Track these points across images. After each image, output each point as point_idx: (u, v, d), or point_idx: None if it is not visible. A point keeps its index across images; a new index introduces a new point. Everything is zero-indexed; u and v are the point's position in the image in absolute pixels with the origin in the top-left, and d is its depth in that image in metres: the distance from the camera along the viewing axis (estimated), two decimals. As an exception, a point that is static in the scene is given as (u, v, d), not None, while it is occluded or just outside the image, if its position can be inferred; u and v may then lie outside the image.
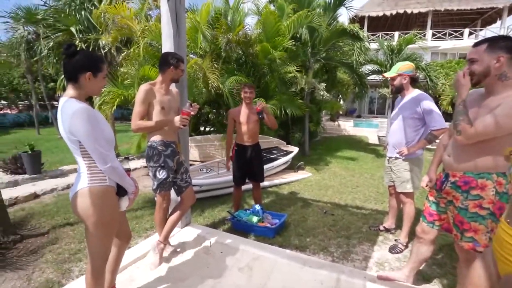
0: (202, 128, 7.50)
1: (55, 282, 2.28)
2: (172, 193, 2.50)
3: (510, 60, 1.46)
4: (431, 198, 1.89)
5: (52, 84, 16.46)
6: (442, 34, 19.12)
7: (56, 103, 16.11)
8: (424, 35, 18.20)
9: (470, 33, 19.34)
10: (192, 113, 2.23)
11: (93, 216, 1.44)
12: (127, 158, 1.59)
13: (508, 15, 18.71)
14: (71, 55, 1.43)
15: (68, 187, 4.86)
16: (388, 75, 2.79)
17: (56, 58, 6.82)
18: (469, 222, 1.59)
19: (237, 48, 6.11)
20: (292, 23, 6.47)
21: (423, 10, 19.03)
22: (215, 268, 2.31)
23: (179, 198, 2.50)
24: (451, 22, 21.85)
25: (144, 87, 2.23)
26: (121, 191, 1.57)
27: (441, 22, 21.63)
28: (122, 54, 5.21)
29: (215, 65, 5.63)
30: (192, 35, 6.01)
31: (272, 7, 8.45)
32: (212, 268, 2.31)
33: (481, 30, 20.47)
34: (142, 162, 6.59)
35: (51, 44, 6.40)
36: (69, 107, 1.38)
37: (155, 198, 2.47)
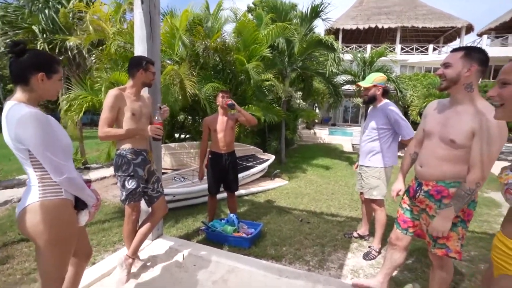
0: (177, 135, 7.31)
1: (5, 307, 2.05)
2: (143, 203, 2.38)
3: (479, 73, 1.51)
4: (404, 206, 1.92)
5: (11, 85, 15.38)
6: (409, 49, 20.34)
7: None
8: (394, 49, 19.25)
9: (434, 49, 20.76)
10: (164, 117, 2.15)
11: (45, 233, 1.28)
12: (87, 168, 1.47)
13: (466, 33, 20.38)
14: (19, 54, 1.26)
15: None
16: (363, 84, 2.85)
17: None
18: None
19: (214, 55, 6.07)
20: (270, 33, 6.56)
21: (392, 25, 20.23)
22: (188, 283, 2.20)
23: (149, 209, 2.37)
24: (417, 38, 23.40)
25: (113, 92, 2.12)
26: (80, 204, 1.43)
27: (408, 38, 23.09)
28: (93, 56, 4.95)
29: (193, 72, 5.54)
30: (169, 40, 5.90)
31: (250, 16, 8.54)
32: (184, 283, 2.20)
33: (443, 46, 22.10)
34: (111, 171, 6.27)
35: (8, 41, 5.95)
36: (15, 112, 1.22)
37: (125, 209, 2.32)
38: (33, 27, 5.78)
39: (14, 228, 3.36)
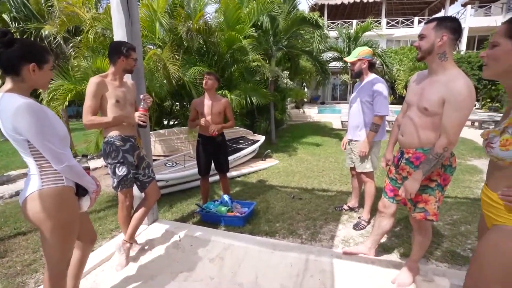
0: (165, 122, 7.23)
1: (8, 297, 2.09)
2: (135, 189, 2.40)
3: (451, 41, 1.54)
4: (390, 175, 2.02)
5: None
6: (395, 22, 20.21)
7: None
8: (380, 23, 19.09)
9: (419, 21, 20.68)
10: (149, 104, 2.14)
11: (49, 220, 1.33)
12: (85, 156, 1.46)
13: (450, 4, 20.31)
14: (7, 44, 1.24)
15: (17, 194, 4.43)
16: (348, 59, 2.88)
17: None
18: (420, 194, 1.73)
19: (198, 37, 5.91)
20: (252, 10, 6.40)
21: (377, -1, 19.96)
22: (186, 262, 2.27)
23: (143, 194, 2.40)
24: (403, 11, 23.21)
25: (94, 79, 2.08)
26: (81, 190, 1.47)
27: (394, 11, 22.88)
28: (70, 45, 4.76)
29: (176, 55, 5.41)
30: (149, 25, 5.70)
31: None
32: (182, 263, 2.28)
33: (428, 18, 21.98)
34: (102, 162, 6.21)
35: None
36: (10, 103, 1.22)
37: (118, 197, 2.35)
38: (4, 15, 5.47)
39: (9, 223, 3.35)
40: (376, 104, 2.71)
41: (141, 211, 2.32)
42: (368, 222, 2.98)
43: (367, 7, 22.25)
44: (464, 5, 21.31)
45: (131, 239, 2.30)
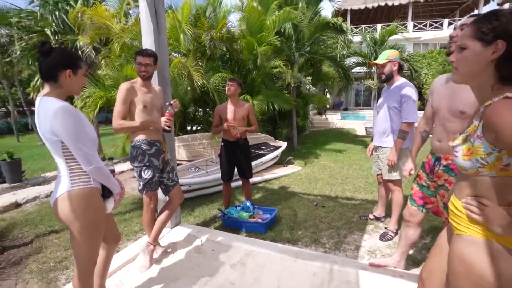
0: (189, 128, 7.40)
1: (41, 292, 2.20)
2: (160, 193, 2.45)
3: None
4: (420, 182, 1.91)
5: (30, 89, 15.91)
6: (422, 25, 19.51)
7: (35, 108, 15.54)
8: (406, 27, 18.51)
9: (450, 23, 19.81)
10: (176, 109, 2.20)
11: (78, 220, 1.38)
12: (111, 159, 1.54)
13: (485, 4, 19.26)
14: (46, 53, 1.36)
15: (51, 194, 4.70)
16: (378, 61, 2.77)
17: (30, 60, 6.59)
18: None
19: (221, 45, 6.04)
20: (277, 19, 6.44)
21: (403, 2, 19.35)
22: (207, 267, 2.28)
23: (167, 198, 2.45)
24: (431, 13, 22.34)
25: (125, 85, 2.18)
26: (106, 192, 1.53)
27: (421, 13, 22.09)
28: (101, 54, 5.04)
29: (199, 63, 5.55)
30: (174, 34, 5.91)
31: (254, 4, 8.39)
32: (204, 267, 2.28)
33: (459, 20, 21.01)
34: (128, 165, 6.45)
35: (23, 45, 6.16)
36: (49, 106, 1.32)
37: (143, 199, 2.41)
38: (46, 29, 5.94)
39: (44, 221, 3.55)
40: (405, 110, 2.59)
41: (165, 214, 2.37)
42: (396, 233, 2.84)
43: (392, 11, 21.68)
44: (500, 4, 20.16)
45: (155, 242, 2.34)
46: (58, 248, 2.87)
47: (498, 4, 20.26)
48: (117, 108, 2.13)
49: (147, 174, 2.20)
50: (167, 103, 2.23)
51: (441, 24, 19.28)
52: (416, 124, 2.36)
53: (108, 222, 1.66)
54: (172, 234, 2.79)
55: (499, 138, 0.84)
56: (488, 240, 0.93)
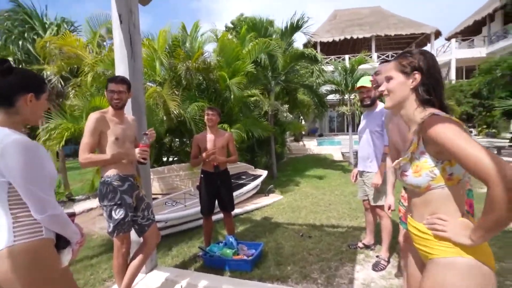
0: (165, 159, 7.08)
1: None
2: (133, 234, 2.18)
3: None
4: (405, 203, 1.87)
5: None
6: (385, 56, 21.14)
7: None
8: (371, 57, 19.93)
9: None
10: (151, 140, 2.01)
11: (23, 281, 1.09)
12: (71, 200, 1.28)
13: (435, 39, 21.46)
14: (5, 72, 1.14)
15: None
16: (367, 84, 2.73)
17: None
18: None
19: (197, 74, 6.01)
20: (252, 49, 6.60)
21: (367, 35, 21.11)
22: (189, 318, 1.98)
23: (141, 239, 2.17)
24: (391, 46, 24.42)
25: (94, 115, 1.98)
26: (61, 242, 1.25)
27: (383, 46, 24.07)
28: (70, 84, 4.77)
29: (175, 92, 5.44)
30: (150, 63, 5.82)
31: (229, 36, 8.64)
32: (185, 319, 1.98)
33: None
34: (97, 202, 5.94)
35: None
36: None
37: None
38: (9, 59, 5.58)
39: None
40: (385, 135, 2.59)
41: (139, 258, 2.08)
42: (388, 261, 2.72)
43: (357, 43, 23.40)
44: (448, 39, 22.53)
45: (127, 293, 2.02)
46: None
47: (445, 39, 22.70)
48: (85, 140, 1.91)
49: (118, 214, 1.94)
50: (142, 133, 2.05)
51: (401, 56, 20.99)
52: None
53: (66, 276, 1.36)
54: (147, 280, 2.46)
55: (444, 148, 0.91)
56: (462, 258, 0.93)
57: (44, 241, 1.17)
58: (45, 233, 1.17)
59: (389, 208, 2.12)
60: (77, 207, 5.71)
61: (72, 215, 1.34)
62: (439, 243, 0.97)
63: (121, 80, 2.07)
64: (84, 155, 1.89)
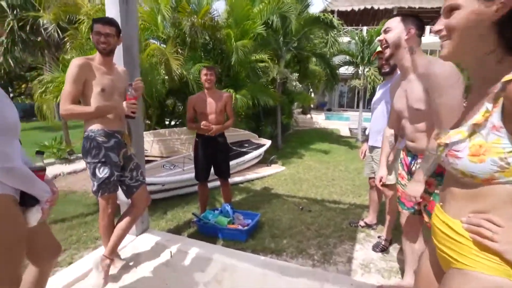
0: (167, 122, 6.91)
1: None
2: (121, 194, 2.04)
3: (418, 37, 1.48)
4: (403, 182, 1.71)
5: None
6: (406, 30, 19.90)
7: None
8: (390, 30, 18.77)
9: (431, 31, 20.33)
10: (139, 92, 1.80)
11: None
12: (40, 153, 1.12)
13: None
14: None
15: None
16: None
17: None
18: (433, 200, 1.49)
19: (203, 33, 5.60)
20: (264, 8, 6.08)
21: (389, 6, 19.67)
22: (176, 284, 1.90)
23: (129, 201, 2.04)
24: (414, 19, 22.92)
25: (77, 61, 1.75)
26: (28, 200, 1.10)
27: (405, 19, 22.58)
28: (67, 33, 4.45)
29: (179, 50, 5.10)
30: (152, 17, 5.41)
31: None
32: (172, 285, 1.90)
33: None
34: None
35: None
36: None
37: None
38: (1, 2, 5.21)
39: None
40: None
41: (126, 220, 1.96)
42: (390, 243, 2.58)
43: (377, 14, 21.93)
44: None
45: (112, 255, 1.92)
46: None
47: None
48: (67, 89, 1.70)
49: (102, 172, 1.78)
50: (128, 84, 1.82)
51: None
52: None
53: (39, 234, 1.24)
54: (136, 242, 2.38)
55: None
56: (506, 280, 0.66)
57: (2, 198, 1.01)
58: (1, 189, 1.00)
59: (380, 180, 1.94)
60: (77, 165, 5.68)
61: (40, 170, 1.17)
62: (479, 252, 0.70)
63: (109, 21, 1.80)
64: (65, 105, 1.69)
